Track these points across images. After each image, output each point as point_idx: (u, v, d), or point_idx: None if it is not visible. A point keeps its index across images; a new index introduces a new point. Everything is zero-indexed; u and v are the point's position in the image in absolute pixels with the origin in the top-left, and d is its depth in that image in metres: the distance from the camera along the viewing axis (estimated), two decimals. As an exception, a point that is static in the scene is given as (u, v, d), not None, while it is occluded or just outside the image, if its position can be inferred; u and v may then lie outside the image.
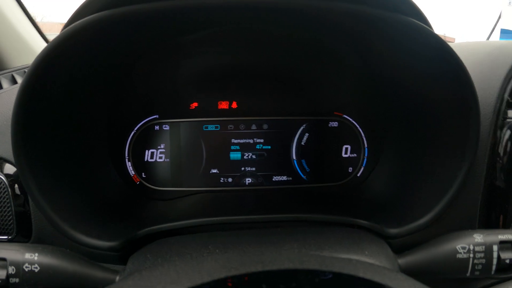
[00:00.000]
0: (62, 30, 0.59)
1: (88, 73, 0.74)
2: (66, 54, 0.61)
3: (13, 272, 0.55)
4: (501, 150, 0.77)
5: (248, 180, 0.99)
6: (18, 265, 0.56)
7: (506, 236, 0.65)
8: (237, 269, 0.43)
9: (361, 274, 0.44)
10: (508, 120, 0.77)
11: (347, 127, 1.00)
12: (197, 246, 0.65)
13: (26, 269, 0.56)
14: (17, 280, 0.55)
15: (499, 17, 1.89)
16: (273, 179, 1.00)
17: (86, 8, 0.58)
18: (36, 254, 0.57)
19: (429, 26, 0.64)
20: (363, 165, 1.01)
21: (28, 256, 0.57)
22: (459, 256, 0.64)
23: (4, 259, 0.56)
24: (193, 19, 0.70)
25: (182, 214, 0.85)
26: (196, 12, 0.64)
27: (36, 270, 0.56)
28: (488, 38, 1.76)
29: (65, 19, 0.60)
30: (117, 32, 0.65)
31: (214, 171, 0.98)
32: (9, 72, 1.16)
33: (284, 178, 1.00)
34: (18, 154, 0.62)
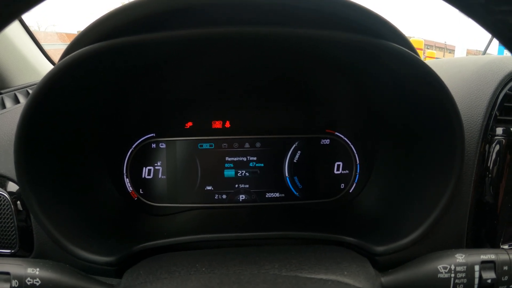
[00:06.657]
0: (59, 60, 0.62)
1: (87, 96, 0.77)
2: (65, 81, 0.64)
3: (16, 286, 0.57)
4: (490, 166, 0.78)
5: (242, 197, 1.00)
6: (20, 279, 0.58)
7: (488, 256, 0.65)
8: None
9: None
10: (496, 137, 0.78)
11: (339, 144, 1.01)
12: (185, 264, 0.67)
13: (28, 283, 0.58)
14: (19, 293, 0.58)
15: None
16: (266, 196, 1.01)
17: (83, 39, 0.62)
18: (38, 269, 0.59)
19: (413, 51, 0.66)
20: (355, 181, 1.02)
21: (30, 270, 0.59)
22: (440, 276, 0.64)
23: (8, 273, 0.58)
24: (185, 48, 0.72)
25: (177, 229, 0.87)
26: (187, 42, 0.67)
27: (37, 284, 0.58)
28: (487, 45, 1.76)
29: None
30: (113, 60, 0.68)
31: (209, 188, 0.99)
32: (12, 91, 1.17)
33: (277, 194, 1.01)
34: (20, 173, 0.65)
